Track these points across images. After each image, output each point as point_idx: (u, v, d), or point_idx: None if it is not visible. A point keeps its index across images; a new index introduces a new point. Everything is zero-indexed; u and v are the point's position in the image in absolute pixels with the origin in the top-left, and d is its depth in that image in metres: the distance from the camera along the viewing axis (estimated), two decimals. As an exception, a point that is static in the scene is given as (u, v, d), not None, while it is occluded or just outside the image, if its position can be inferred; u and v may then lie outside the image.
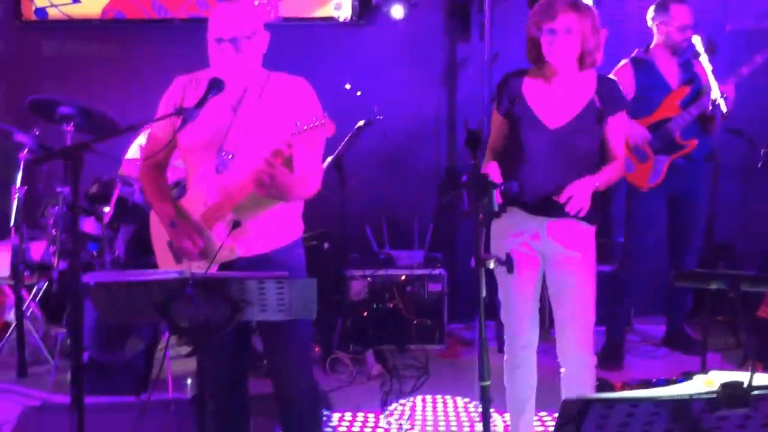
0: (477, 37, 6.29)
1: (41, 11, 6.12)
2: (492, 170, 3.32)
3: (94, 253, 4.93)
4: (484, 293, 2.68)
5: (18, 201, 4.99)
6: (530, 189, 3.50)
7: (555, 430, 1.73)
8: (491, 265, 2.75)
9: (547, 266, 3.66)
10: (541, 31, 3.51)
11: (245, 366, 3.60)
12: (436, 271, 5.83)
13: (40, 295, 5.53)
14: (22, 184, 4.99)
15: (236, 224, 3.14)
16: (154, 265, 4.82)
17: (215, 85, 3.17)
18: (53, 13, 6.12)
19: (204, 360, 3.33)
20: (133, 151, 5.50)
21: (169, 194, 3.38)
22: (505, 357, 3.77)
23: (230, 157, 3.20)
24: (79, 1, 6.12)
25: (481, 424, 2.76)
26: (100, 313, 2.65)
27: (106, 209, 4.71)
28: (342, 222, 5.78)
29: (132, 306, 2.64)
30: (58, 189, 4.78)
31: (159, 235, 3.40)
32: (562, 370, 3.67)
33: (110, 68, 6.23)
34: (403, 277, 5.81)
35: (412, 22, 6.27)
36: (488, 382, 2.71)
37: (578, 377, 3.63)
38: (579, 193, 3.41)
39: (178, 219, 3.22)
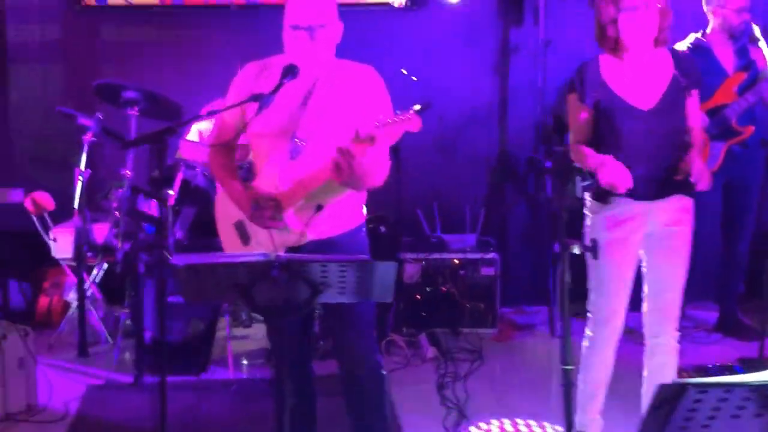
0: (530, 23, 6.30)
1: (101, -4, 6.21)
2: (594, 159, 3.39)
3: (156, 235, 5.03)
4: (568, 278, 2.72)
5: (82, 184, 5.09)
6: (634, 176, 3.50)
7: (648, 412, 1.78)
8: (576, 250, 2.79)
9: (651, 246, 3.70)
10: (619, 9, 3.52)
11: (310, 347, 3.69)
12: (489, 255, 5.88)
13: (100, 276, 5.65)
14: (86, 167, 5.10)
15: (319, 208, 3.22)
16: (216, 247, 4.92)
17: (290, 71, 3.23)
18: (113, -2, 6.22)
19: (282, 341, 3.46)
20: (192, 134, 5.59)
21: (238, 177, 3.45)
22: (587, 341, 3.82)
23: (303, 144, 3.27)
24: (139, -14, 6.20)
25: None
26: (183, 294, 2.73)
27: (170, 192, 4.79)
28: (396, 206, 5.84)
29: (216, 287, 2.71)
30: (123, 171, 4.87)
31: (224, 216, 3.48)
32: (649, 342, 3.75)
33: (167, 53, 6.30)
34: (456, 261, 5.86)
35: (465, 7, 6.30)
36: (572, 367, 2.76)
37: (667, 350, 3.73)
38: (704, 169, 3.48)
39: (260, 198, 3.28)
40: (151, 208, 5.00)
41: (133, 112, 4.83)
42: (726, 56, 5.19)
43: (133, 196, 4.89)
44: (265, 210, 3.25)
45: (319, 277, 2.68)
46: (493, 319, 5.86)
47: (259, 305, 2.76)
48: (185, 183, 4.86)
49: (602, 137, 3.65)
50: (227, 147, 3.48)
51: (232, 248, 3.42)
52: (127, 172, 4.85)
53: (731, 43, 5.19)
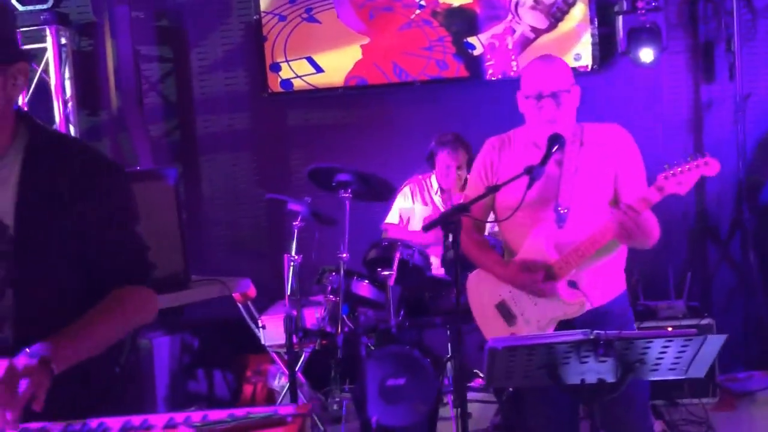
0: (723, 79, 6.10)
1: (287, 83, 6.28)
2: None
3: (373, 317, 4.96)
4: None
5: (293, 269, 5.06)
6: None
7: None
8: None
9: None
10: None
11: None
12: (704, 322, 5.59)
13: (304, 362, 5.60)
14: (296, 252, 5.07)
15: (572, 284, 3.11)
16: (430, 326, 4.81)
17: (557, 141, 3.17)
18: (298, 84, 6.28)
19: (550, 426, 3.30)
20: (393, 215, 5.54)
21: (495, 252, 3.36)
22: None
23: (566, 211, 3.16)
24: (323, 71, 6.25)
25: None
26: (489, 378, 2.60)
27: (385, 272, 4.72)
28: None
29: (525, 369, 2.58)
30: (339, 255, 4.82)
31: (482, 299, 3.38)
32: None
33: (353, 134, 6.33)
34: (670, 329, 5.59)
35: (653, 66, 6.13)
36: None
37: None
38: None
39: (530, 264, 3.17)
40: (361, 289, 4.93)
41: (346, 194, 4.79)
42: None
43: (349, 279, 4.83)
44: (538, 273, 3.13)
45: (638, 354, 2.52)
46: (714, 388, 5.55)
47: (569, 386, 2.62)
48: (403, 263, 4.77)
49: None
50: (479, 225, 3.40)
51: (494, 331, 3.30)
52: (344, 254, 4.80)
53: None
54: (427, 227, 3.17)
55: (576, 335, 2.50)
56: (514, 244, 3.32)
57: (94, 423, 1.93)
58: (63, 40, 6.15)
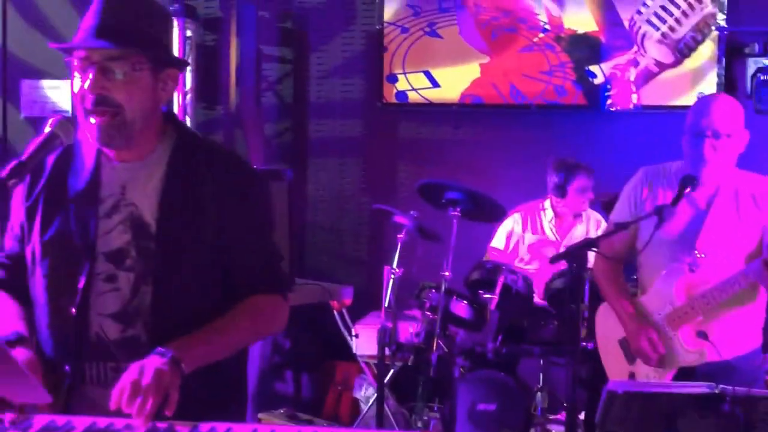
0: None
1: (402, 94, 6.28)
2: None
3: (468, 339, 4.91)
4: None
5: (393, 282, 5.04)
6: None
7: None
8: None
9: None
10: None
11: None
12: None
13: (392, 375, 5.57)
14: (398, 265, 5.05)
15: (702, 335, 3.01)
16: (527, 354, 4.73)
17: (689, 183, 3.08)
18: (413, 96, 6.27)
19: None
20: (499, 239, 5.48)
21: (628, 291, 3.28)
22: None
23: (702, 256, 3.07)
24: (439, 86, 6.23)
25: None
26: (603, 422, 2.51)
27: (487, 295, 4.67)
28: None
29: (642, 415, 2.49)
30: (441, 273, 4.78)
31: (607, 333, 3.31)
32: None
33: (462, 151, 6.28)
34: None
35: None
36: None
37: None
38: None
39: (638, 319, 3.10)
40: (458, 309, 4.88)
41: (455, 212, 4.75)
42: None
43: (448, 297, 4.79)
44: (658, 347, 3.06)
45: (763, 415, 2.41)
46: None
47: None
48: (507, 288, 4.71)
49: None
50: (618, 259, 3.31)
51: (614, 366, 3.25)
52: (446, 273, 4.76)
53: None
54: (554, 259, 3.12)
55: (700, 387, 2.41)
56: (645, 280, 3.27)
57: (221, 428, 1.92)
58: (188, 33, 6.24)
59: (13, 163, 1.92)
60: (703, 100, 3.25)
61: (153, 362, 1.95)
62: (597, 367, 4.81)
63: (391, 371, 5.51)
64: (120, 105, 2.07)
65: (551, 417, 5.37)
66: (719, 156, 3.09)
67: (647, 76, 6.03)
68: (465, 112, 6.27)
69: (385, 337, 5.16)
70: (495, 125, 6.28)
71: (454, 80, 6.21)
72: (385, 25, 6.24)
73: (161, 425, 1.89)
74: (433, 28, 6.22)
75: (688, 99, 5.98)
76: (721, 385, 2.41)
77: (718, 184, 3.14)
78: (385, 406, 5.46)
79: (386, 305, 5.06)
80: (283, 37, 6.44)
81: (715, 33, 5.91)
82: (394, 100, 6.30)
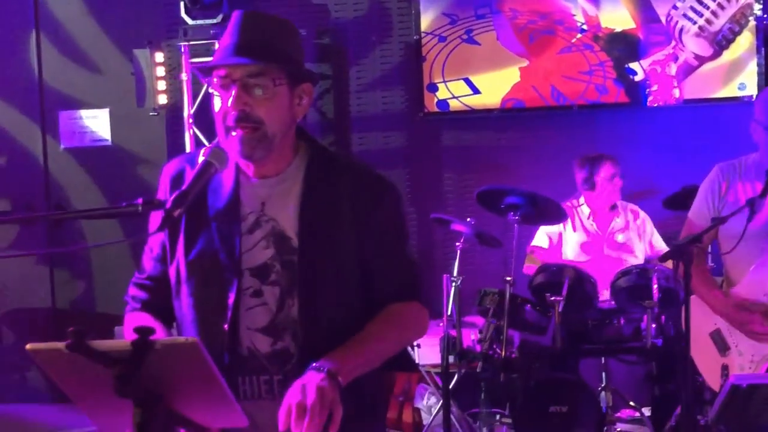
0: None
1: (443, 103, 6.31)
2: None
3: (533, 342, 4.93)
4: None
5: (454, 290, 5.06)
6: None
7: None
8: None
9: None
10: None
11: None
12: None
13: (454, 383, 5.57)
14: (458, 273, 5.07)
15: None
16: (594, 354, 4.73)
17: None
18: (454, 104, 6.30)
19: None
20: (540, 239, 5.52)
21: (716, 283, 3.30)
22: None
23: None
24: (480, 92, 6.26)
25: None
26: (720, 417, 2.53)
27: (554, 298, 4.68)
28: None
29: (757, 409, 2.51)
30: (504, 278, 4.80)
31: (696, 324, 3.30)
32: None
33: (506, 155, 6.31)
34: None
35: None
36: None
37: None
38: None
39: (738, 305, 3.11)
40: (528, 315, 4.90)
41: (515, 217, 4.77)
42: None
43: (512, 302, 4.80)
44: (755, 314, 3.06)
45: None
46: None
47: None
48: (572, 290, 4.73)
49: None
50: (701, 251, 3.33)
51: (705, 359, 3.26)
52: (510, 278, 4.78)
53: None
54: (663, 258, 3.12)
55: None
56: (734, 275, 3.28)
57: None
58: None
59: (175, 194, 1.98)
60: (766, 91, 3.26)
61: (313, 379, 1.97)
62: (664, 363, 4.86)
63: (454, 379, 5.52)
64: (261, 120, 2.11)
65: (617, 416, 5.39)
66: None
67: (687, 70, 6.05)
68: (507, 116, 6.30)
69: (449, 346, 5.19)
70: (538, 128, 6.31)
71: (494, 86, 6.25)
72: (422, 35, 6.28)
73: None
74: (471, 35, 6.25)
75: (730, 90, 6.02)
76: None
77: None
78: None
79: (448, 313, 5.09)
80: (321, 53, 6.48)
81: (752, 23, 5.94)
82: (435, 109, 6.33)
